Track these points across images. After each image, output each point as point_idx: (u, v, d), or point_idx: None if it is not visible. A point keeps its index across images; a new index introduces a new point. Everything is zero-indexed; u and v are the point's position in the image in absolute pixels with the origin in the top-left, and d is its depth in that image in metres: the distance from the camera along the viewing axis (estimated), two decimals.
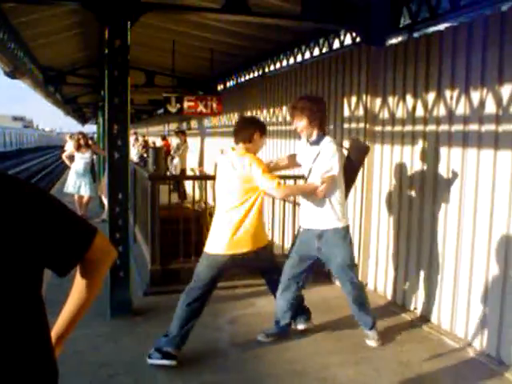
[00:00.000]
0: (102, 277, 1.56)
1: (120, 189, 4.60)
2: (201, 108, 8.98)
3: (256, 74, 9.78)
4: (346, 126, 5.90)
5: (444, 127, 4.45)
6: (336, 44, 6.60)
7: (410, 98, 4.89)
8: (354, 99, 5.71)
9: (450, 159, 4.37)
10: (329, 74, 6.29)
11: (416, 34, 5.12)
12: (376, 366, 3.83)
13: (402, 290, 5.07)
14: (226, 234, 3.84)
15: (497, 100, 3.86)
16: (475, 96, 4.08)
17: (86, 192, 9.96)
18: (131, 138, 21.98)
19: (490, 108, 3.93)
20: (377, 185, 5.45)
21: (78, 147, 10.02)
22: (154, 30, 7.90)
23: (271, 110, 8.37)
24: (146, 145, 20.83)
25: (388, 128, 5.23)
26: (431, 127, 4.61)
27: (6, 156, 43.56)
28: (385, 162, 5.30)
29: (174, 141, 15.31)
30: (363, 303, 4.18)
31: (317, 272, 5.04)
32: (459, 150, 4.26)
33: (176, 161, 13.43)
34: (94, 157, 11.72)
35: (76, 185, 9.94)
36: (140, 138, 22.63)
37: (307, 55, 7.40)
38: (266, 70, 9.15)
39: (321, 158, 3.93)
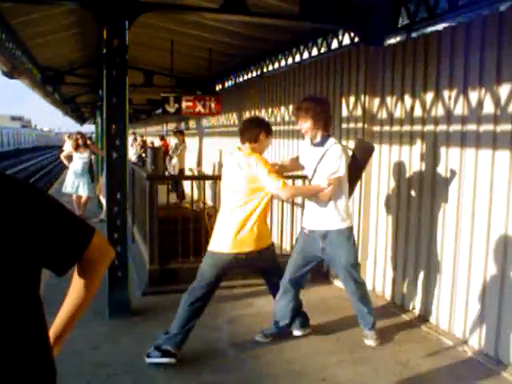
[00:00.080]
0: (100, 276, 1.56)
1: (118, 189, 4.60)
2: (199, 108, 8.97)
3: (254, 74, 9.78)
4: (344, 126, 5.91)
5: (442, 127, 4.45)
6: (334, 44, 6.61)
7: (408, 98, 4.89)
8: (352, 99, 5.71)
9: (448, 159, 4.38)
10: (327, 74, 6.29)
11: (414, 34, 5.12)
12: (374, 366, 3.83)
13: (400, 290, 5.07)
14: (230, 232, 3.84)
15: (495, 100, 3.87)
16: (473, 96, 4.08)
17: (84, 192, 9.95)
18: (129, 138, 22.01)
19: (488, 108, 3.93)
20: (375, 185, 5.46)
21: (77, 147, 10.01)
22: (153, 30, 7.90)
23: (269, 110, 8.37)
24: (144, 145, 20.85)
25: (386, 128, 5.24)
26: (429, 127, 4.62)
27: (3, 156, 43.55)
28: (383, 162, 5.31)
29: (172, 141, 15.32)
30: (367, 303, 4.20)
31: (315, 272, 5.06)
32: (457, 150, 4.27)
33: (174, 161, 13.44)
34: (93, 157, 11.71)
35: (74, 185, 9.94)
36: (138, 138, 22.64)
37: (305, 55, 7.41)
38: (265, 70, 9.15)
39: (327, 160, 3.92)
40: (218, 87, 12.14)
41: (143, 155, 17.91)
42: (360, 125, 5.56)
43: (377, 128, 5.39)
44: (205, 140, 13.97)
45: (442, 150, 4.45)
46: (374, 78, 5.40)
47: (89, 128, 36.92)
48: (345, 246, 4.00)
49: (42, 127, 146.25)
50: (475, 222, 4.10)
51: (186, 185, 11.45)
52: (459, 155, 4.25)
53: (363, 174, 5.22)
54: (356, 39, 5.94)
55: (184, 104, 8.85)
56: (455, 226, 4.32)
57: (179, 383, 3.58)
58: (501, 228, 3.82)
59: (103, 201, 8.82)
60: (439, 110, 4.48)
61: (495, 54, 3.84)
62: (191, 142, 14.71)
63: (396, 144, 5.08)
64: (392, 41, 5.47)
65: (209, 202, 8.98)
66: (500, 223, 3.83)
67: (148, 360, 3.78)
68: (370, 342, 4.18)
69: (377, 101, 5.39)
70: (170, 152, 14.45)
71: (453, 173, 4.33)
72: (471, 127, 4.11)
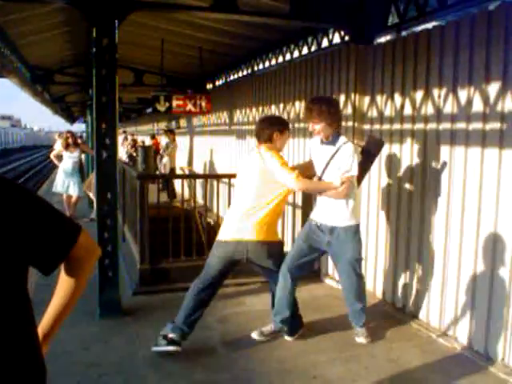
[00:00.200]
0: (87, 275, 1.57)
1: (108, 188, 4.58)
2: (190, 107, 8.95)
3: (245, 73, 9.77)
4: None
5: (432, 125, 4.47)
6: (325, 42, 6.60)
7: (398, 97, 4.91)
8: (342, 98, 5.72)
9: (438, 157, 4.40)
10: (317, 73, 6.30)
11: (404, 33, 5.13)
12: (365, 364, 3.85)
13: (390, 288, 5.09)
14: (234, 220, 3.94)
15: (484, 98, 3.89)
16: (463, 94, 4.11)
17: (74, 191, 9.90)
18: (120, 137, 21.91)
19: (478, 106, 3.96)
20: (365, 184, 5.45)
21: (67, 146, 9.95)
22: (143, 29, 7.86)
23: (260, 109, 8.36)
24: (134, 144, 20.75)
25: (376, 126, 5.25)
26: (419, 125, 4.63)
27: None
28: None
29: (163, 140, 15.27)
30: (363, 299, 4.24)
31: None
32: (447, 149, 4.29)
33: (165, 160, 13.41)
34: (83, 156, 11.65)
35: (65, 184, 9.88)
36: (129, 137, 22.54)
37: (296, 54, 7.40)
38: (256, 68, 9.14)
39: (339, 158, 3.98)
40: (209, 86, 12.11)
41: (134, 154, 17.84)
42: (350, 123, 5.57)
43: (367, 126, 5.41)
44: (196, 139, 13.94)
45: (432, 148, 4.47)
46: (364, 76, 5.41)
47: (79, 127, 36.79)
48: (351, 242, 4.06)
49: (32, 126, 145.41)
50: (465, 221, 4.12)
51: (177, 184, 11.41)
52: (449, 153, 4.27)
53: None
54: (346, 38, 5.94)
55: (174, 103, 8.83)
56: (445, 224, 4.34)
57: (170, 383, 3.57)
58: (490, 226, 3.85)
59: (93, 197, 8.79)
60: (429, 109, 4.50)
61: (484, 52, 3.86)
62: (182, 141, 14.68)
63: (386, 142, 5.09)
64: (382, 39, 5.48)
65: (200, 201, 8.97)
66: (489, 221, 3.85)
67: (154, 348, 3.85)
68: (361, 339, 4.20)
69: (367, 99, 5.41)
70: (161, 151, 14.41)
71: (443, 171, 4.35)
72: (461, 125, 4.13)
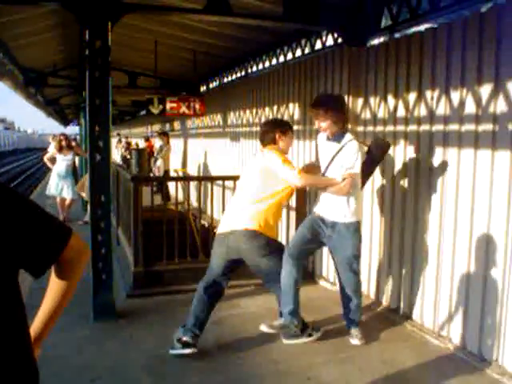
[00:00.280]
0: (77, 277, 1.57)
1: (102, 191, 4.56)
2: (183, 109, 8.97)
3: (239, 75, 9.78)
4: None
5: (425, 127, 4.49)
6: (318, 45, 6.62)
7: (391, 99, 4.92)
8: None
9: (432, 159, 4.41)
10: (311, 75, 6.31)
11: (397, 35, 5.16)
12: (360, 365, 3.85)
13: (384, 289, 5.10)
14: (230, 214, 4.02)
15: (476, 100, 3.91)
16: (455, 96, 4.12)
17: (68, 194, 9.86)
18: (114, 140, 21.88)
19: (470, 108, 3.97)
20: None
21: (60, 149, 9.92)
22: (137, 31, 7.86)
23: (254, 111, 8.37)
24: (128, 146, 20.73)
25: (370, 128, 5.27)
26: (412, 127, 4.65)
27: None
28: None
29: (157, 142, 15.26)
30: (359, 296, 4.26)
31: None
32: (440, 150, 4.31)
33: (159, 162, 13.39)
34: (76, 158, 11.61)
35: (58, 187, 9.84)
36: (123, 140, 22.51)
37: (289, 56, 7.42)
38: (249, 70, 9.15)
39: (343, 155, 4.01)
40: (203, 88, 12.11)
41: (128, 157, 17.81)
42: None
43: (360, 128, 5.42)
44: (190, 141, 13.93)
45: (425, 149, 4.48)
46: (357, 78, 5.42)
47: (73, 130, 36.67)
48: (351, 239, 4.08)
49: (25, 129, 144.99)
50: (458, 221, 4.13)
51: (171, 186, 11.40)
52: (442, 155, 4.29)
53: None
54: (339, 40, 5.96)
55: (168, 105, 8.85)
56: (438, 224, 4.35)
57: None
58: (483, 227, 3.86)
59: (86, 197, 8.77)
60: (422, 110, 4.52)
61: (476, 54, 3.88)
62: (176, 143, 14.67)
63: None
64: (375, 41, 5.49)
65: (194, 204, 8.95)
66: (483, 222, 3.87)
67: (171, 351, 3.89)
68: (356, 341, 4.20)
69: (360, 101, 5.42)
70: (155, 153, 14.40)
71: (436, 172, 4.37)
72: (453, 127, 4.15)
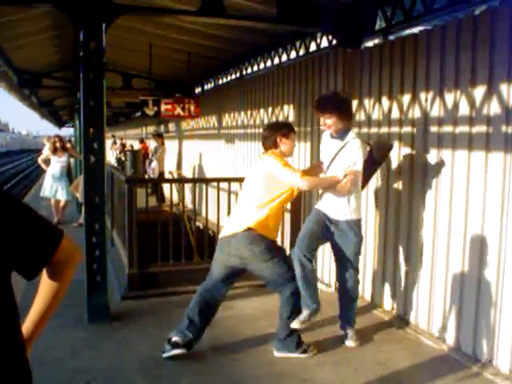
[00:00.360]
0: (68, 278, 1.58)
1: (96, 193, 4.55)
2: (178, 111, 8.95)
3: (234, 77, 9.78)
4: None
5: (419, 129, 4.50)
6: (313, 46, 6.63)
7: (385, 100, 4.94)
8: None
9: (426, 160, 4.42)
10: (306, 77, 6.32)
11: (391, 37, 5.17)
12: (355, 367, 3.86)
13: (379, 291, 5.11)
14: (231, 220, 4.03)
15: (470, 102, 3.93)
16: (449, 98, 4.14)
17: (62, 196, 9.82)
18: (108, 142, 21.84)
19: (464, 109, 3.99)
20: None
21: (54, 150, 9.88)
22: (131, 33, 7.85)
23: (249, 113, 8.37)
24: (123, 148, 20.69)
25: (364, 130, 5.28)
26: (407, 129, 4.66)
27: None
28: None
29: (152, 144, 15.24)
30: (357, 294, 4.29)
31: None
32: (434, 152, 4.32)
33: (154, 164, 13.37)
34: (71, 160, 11.58)
35: (53, 189, 9.80)
36: (118, 142, 22.47)
37: (284, 58, 7.43)
38: (244, 72, 9.16)
39: (345, 152, 4.03)
40: (198, 90, 12.11)
41: (123, 159, 17.78)
42: None
43: (355, 130, 5.41)
44: (184, 143, 13.92)
45: (419, 151, 4.49)
46: (352, 80, 5.44)
47: (68, 131, 36.61)
48: (353, 236, 4.09)
49: (20, 130, 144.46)
50: (452, 222, 4.15)
51: (166, 188, 11.38)
52: (436, 156, 4.30)
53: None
54: (334, 42, 5.97)
55: (163, 107, 8.82)
56: (433, 226, 4.36)
57: None
58: (477, 228, 3.88)
59: (79, 198, 8.74)
60: (416, 112, 4.53)
61: (470, 56, 3.90)
62: (171, 145, 14.65)
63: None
64: (369, 43, 5.50)
65: (189, 205, 8.95)
66: (477, 223, 3.88)
67: (163, 355, 3.87)
68: (350, 342, 4.21)
69: (355, 103, 5.42)
70: (150, 155, 14.38)
71: (430, 174, 4.38)
72: (447, 129, 4.17)
